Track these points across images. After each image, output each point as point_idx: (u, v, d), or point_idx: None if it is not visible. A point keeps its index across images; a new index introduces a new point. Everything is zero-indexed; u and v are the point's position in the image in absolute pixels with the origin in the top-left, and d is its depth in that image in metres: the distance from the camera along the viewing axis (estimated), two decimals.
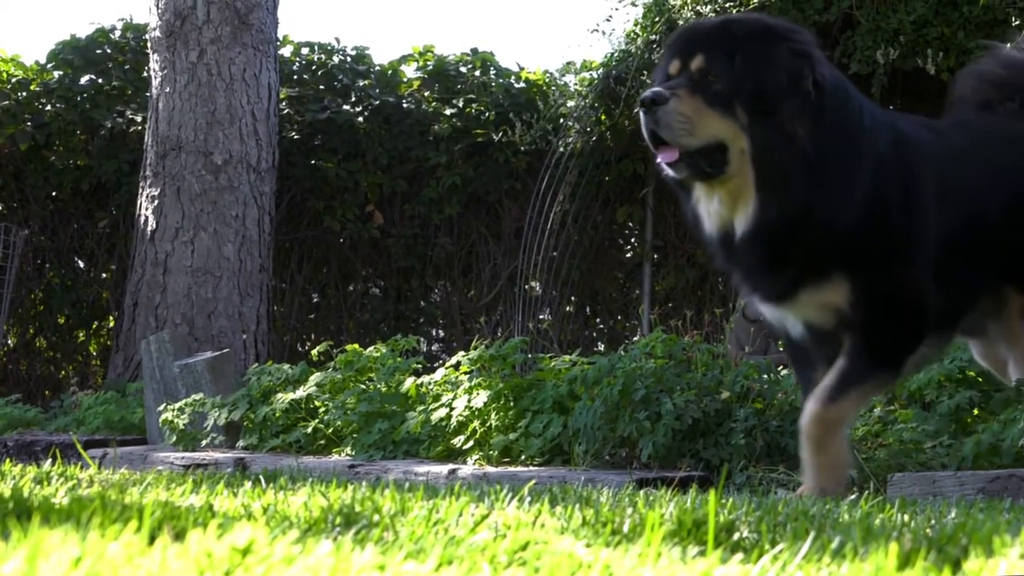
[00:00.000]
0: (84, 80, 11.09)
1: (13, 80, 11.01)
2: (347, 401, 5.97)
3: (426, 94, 11.20)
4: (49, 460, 3.53)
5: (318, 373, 6.45)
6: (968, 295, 3.77)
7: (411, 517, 2.02)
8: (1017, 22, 7.44)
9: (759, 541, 1.85)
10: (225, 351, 7.55)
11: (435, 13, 33.96)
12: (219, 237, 9.69)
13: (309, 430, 6.05)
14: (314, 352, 7.87)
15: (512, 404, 5.36)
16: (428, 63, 11.34)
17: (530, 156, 10.37)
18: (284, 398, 6.27)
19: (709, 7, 8.28)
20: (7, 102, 10.83)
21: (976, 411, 4.59)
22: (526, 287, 9.78)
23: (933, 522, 2.21)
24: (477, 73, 11.20)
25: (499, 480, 3.88)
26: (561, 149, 9.61)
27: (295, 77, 11.30)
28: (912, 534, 1.91)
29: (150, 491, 2.57)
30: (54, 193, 11.14)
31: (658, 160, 3.50)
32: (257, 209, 9.89)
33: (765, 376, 5.02)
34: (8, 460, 3.79)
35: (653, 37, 8.74)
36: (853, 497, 3.26)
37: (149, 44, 10.12)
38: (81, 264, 11.41)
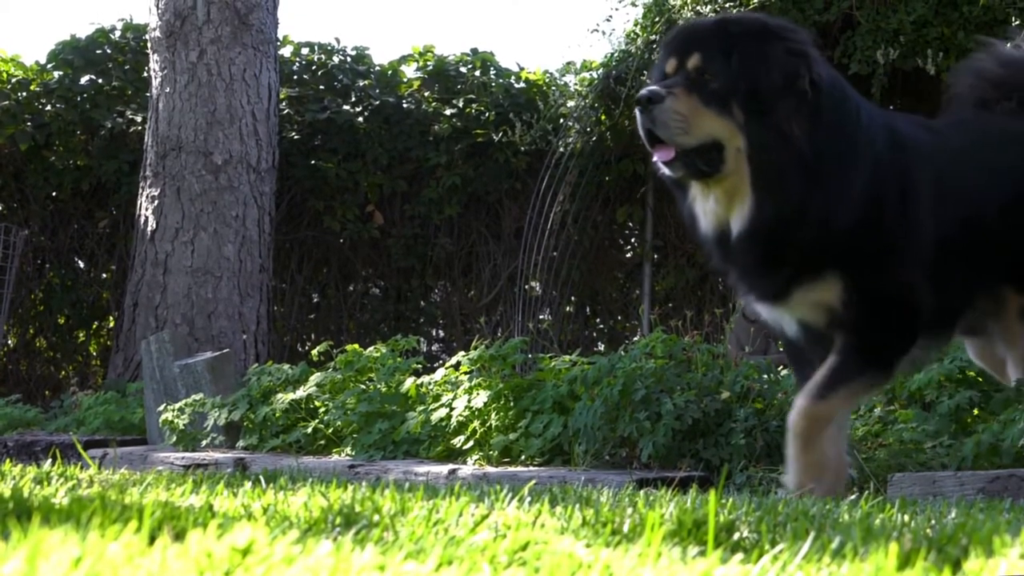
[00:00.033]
0: (84, 80, 11.09)
1: (13, 80, 11.01)
2: (347, 401, 5.97)
3: (426, 94, 11.20)
4: (49, 460, 3.53)
5: (318, 373, 6.45)
6: (966, 295, 3.77)
7: (411, 517, 2.02)
8: (1017, 22, 7.44)
9: (759, 541, 1.85)
10: (225, 351, 7.55)
11: (435, 13, 33.97)
12: (219, 237, 9.69)
13: (309, 430, 6.05)
14: (314, 352, 7.88)
15: (512, 404, 5.36)
16: (428, 63, 11.34)
17: (530, 156, 10.37)
18: (284, 398, 6.27)
19: (709, 7, 8.28)
20: (7, 102, 10.83)
21: (976, 411, 4.59)
22: (526, 287, 9.78)
23: (933, 522, 2.21)
24: (477, 73, 11.20)
25: (499, 480, 3.88)
26: (561, 149, 9.61)
27: (295, 77, 11.30)
28: (912, 534, 1.91)
29: (150, 491, 2.57)
30: (54, 193, 11.14)
31: (654, 159, 3.50)
32: (257, 209, 9.89)
33: (765, 376, 5.03)
34: (8, 460, 3.79)
35: (653, 37, 8.75)
36: (853, 497, 3.26)
37: (149, 44, 10.13)
38: (81, 264, 11.41)
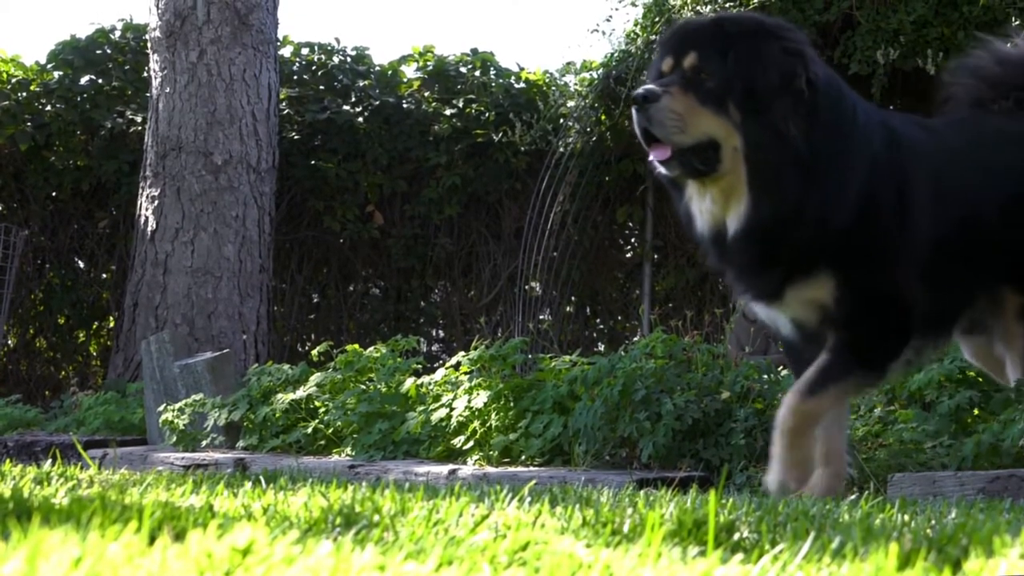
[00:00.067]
0: (84, 80, 11.09)
1: (13, 80, 11.01)
2: (347, 401, 5.97)
3: (426, 94, 11.20)
4: (49, 460, 3.53)
5: (318, 373, 6.45)
6: (963, 295, 3.76)
7: (411, 517, 2.02)
8: (1017, 22, 7.44)
9: (759, 541, 1.85)
10: (225, 351, 7.55)
11: (435, 13, 33.97)
12: (219, 237, 9.69)
13: (309, 430, 6.05)
14: (314, 352, 7.88)
15: (512, 404, 5.36)
16: (428, 63, 11.34)
17: (530, 156, 10.37)
18: (284, 398, 6.27)
19: (709, 7, 8.28)
20: (7, 102, 10.83)
21: (976, 411, 4.58)
22: (526, 287, 9.78)
23: (933, 522, 2.21)
24: (477, 73, 11.20)
25: (499, 480, 3.88)
26: (561, 149, 9.61)
27: (295, 77, 11.30)
28: (912, 534, 1.91)
29: (150, 491, 2.57)
30: (54, 193, 11.14)
31: (650, 158, 3.50)
32: (257, 209, 9.89)
33: (765, 376, 5.02)
34: (8, 460, 3.79)
35: (653, 37, 8.74)
36: (853, 497, 3.26)
37: (149, 44, 10.13)
38: (81, 264, 11.41)
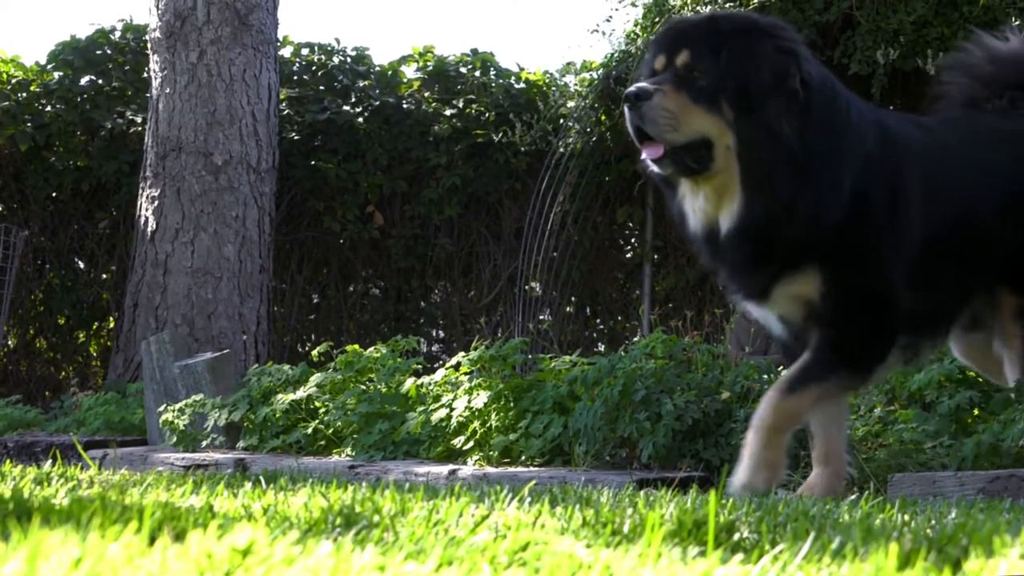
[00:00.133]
0: (84, 81, 11.09)
1: (13, 81, 11.01)
2: (347, 402, 5.97)
3: (426, 95, 11.20)
4: (49, 461, 3.53)
5: (318, 374, 6.45)
6: (958, 295, 3.76)
7: (411, 518, 2.02)
8: (1017, 22, 7.43)
9: (759, 541, 1.85)
10: (225, 352, 7.55)
11: (435, 13, 33.96)
12: (219, 238, 9.69)
13: (309, 431, 6.05)
14: (314, 353, 7.88)
15: (512, 405, 5.36)
16: (428, 64, 11.34)
17: (530, 156, 10.37)
18: (284, 399, 6.27)
19: (709, 8, 8.28)
20: (7, 103, 10.83)
21: (976, 411, 4.58)
22: (526, 288, 9.78)
23: (933, 522, 2.21)
24: (477, 74, 11.20)
25: (499, 481, 3.88)
26: (561, 149, 9.61)
27: (295, 78, 11.30)
28: (912, 534, 1.91)
29: (150, 492, 2.57)
30: (54, 194, 11.14)
31: (643, 156, 3.49)
32: (257, 210, 9.89)
33: (765, 376, 5.02)
34: (8, 461, 3.79)
35: (653, 37, 8.74)
36: (853, 497, 3.26)
37: (149, 45, 10.13)
38: (81, 265, 11.41)
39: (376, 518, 1.98)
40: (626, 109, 3.45)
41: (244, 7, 9.89)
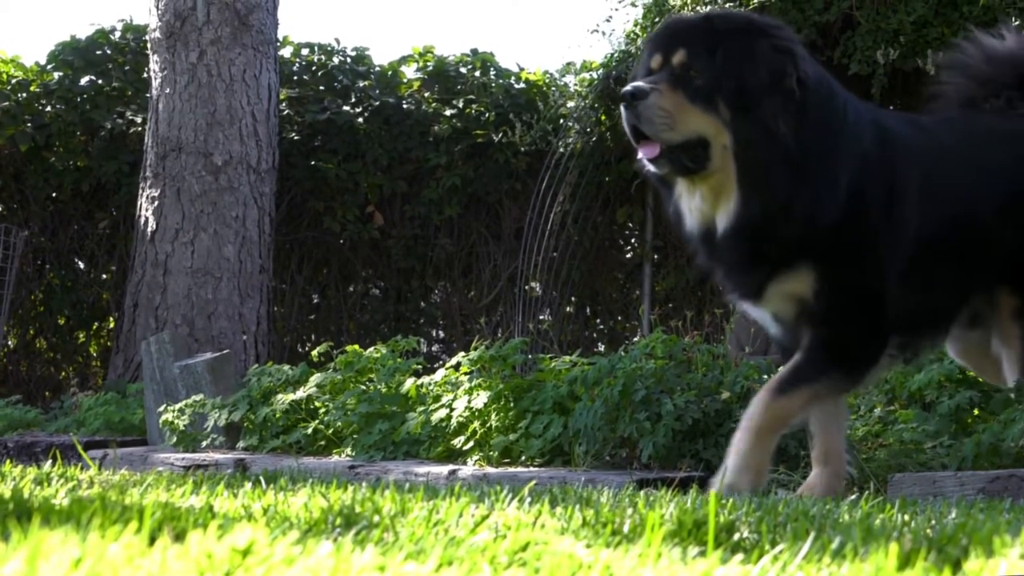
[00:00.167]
0: (84, 81, 11.09)
1: (13, 81, 11.01)
2: (347, 402, 5.97)
3: (426, 95, 11.20)
4: (49, 461, 3.53)
5: (318, 374, 6.45)
6: (956, 295, 3.75)
7: (411, 518, 2.02)
8: (1017, 22, 7.43)
9: (759, 541, 1.85)
10: (225, 352, 7.55)
11: (435, 13, 33.95)
12: (219, 238, 9.69)
13: (309, 431, 6.05)
14: (314, 353, 7.88)
15: (512, 405, 5.36)
16: (428, 64, 11.34)
17: (530, 157, 10.37)
18: (284, 399, 6.27)
19: (709, 8, 8.27)
20: (7, 103, 10.83)
21: (976, 411, 4.58)
22: (526, 288, 9.78)
23: (933, 522, 2.21)
24: (477, 74, 11.20)
25: (499, 481, 3.88)
26: (561, 150, 9.61)
27: (295, 78, 11.31)
28: (912, 534, 1.91)
29: (150, 492, 2.57)
30: (54, 194, 11.14)
31: (639, 156, 3.49)
32: (257, 210, 9.89)
33: (765, 376, 5.02)
34: (8, 461, 3.79)
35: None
36: (853, 497, 3.26)
37: (149, 45, 10.13)
38: (81, 265, 11.41)
39: (376, 518, 1.98)
40: (622, 108, 3.44)
41: (244, 7, 9.89)
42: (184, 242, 9.66)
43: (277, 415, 6.24)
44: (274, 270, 10.38)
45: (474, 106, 10.88)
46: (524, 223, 9.96)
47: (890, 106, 8.26)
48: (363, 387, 6.10)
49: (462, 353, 5.97)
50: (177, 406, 6.68)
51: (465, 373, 5.82)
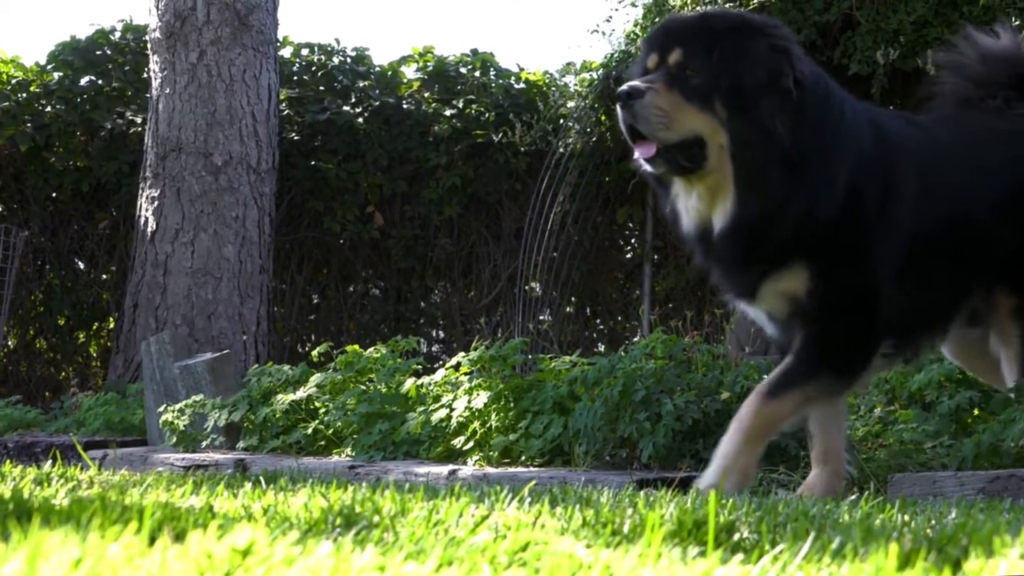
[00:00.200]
0: (84, 81, 11.09)
1: (13, 81, 11.01)
2: (347, 402, 5.97)
3: (426, 95, 11.20)
4: (49, 461, 3.53)
5: (318, 374, 6.45)
6: (953, 294, 3.75)
7: (411, 518, 2.02)
8: (1017, 22, 7.44)
9: (759, 541, 1.85)
10: (225, 352, 7.55)
11: (435, 14, 33.95)
12: (219, 238, 9.69)
13: (309, 431, 6.05)
14: (314, 353, 7.88)
15: (512, 405, 5.36)
16: (428, 64, 11.34)
17: (530, 157, 10.37)
18: (284, 399, 6.26)
19: (709, 8, 8.27)
20: (7, 103, 10.83)
21: (976, 411, 4.58)
22: (526, 288, 9.78)
23: (933, 522, 2.21)
24: (477, 74, 11.20)
25: (499, 481, 3.88)
26: (561, 150, 9.61)
27: (295, 78, 11.31)
28: (912, 534, 1.91)
29: (150, 492, 2.57)
30: (54, 194, 11.14)
31: (635, 155, 3.48)
32: (257, 210, 9.89)
33: (765, 377, 5.02)
34: (8, 461, 3.79)
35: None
36: (853, 497, 3.26)
37: (149, 45, 10.13)
38: (81, 265, 11.41)
39: (376, 518, 1.98)
40: (619, 108, 3.44)
41: (244, 7, 9.89)
42: (184, 242, 9.66)
43: (277, 415, 6.24)
44: (274, 270, 10.39)
45: (474, 106, 10.88)
46: (524, 223, 9.96)
47: (890, 106, 8.25)
48: (363, 387, 6.10)
49: (462, 353, 5.97)
50: (177, 406, 6.68)
51: (465, 373, 5.82)
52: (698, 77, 3.40)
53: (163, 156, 9.79)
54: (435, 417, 5.50)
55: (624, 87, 3.41)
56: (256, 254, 9.85)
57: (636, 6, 9.20)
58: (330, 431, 5.99)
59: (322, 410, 6.16)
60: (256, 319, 9.80)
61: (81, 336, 11.33)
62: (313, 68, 11.36)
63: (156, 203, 9.77)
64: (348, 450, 5.79)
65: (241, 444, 6.37)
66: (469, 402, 5.42)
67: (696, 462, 4.74)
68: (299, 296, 11.15)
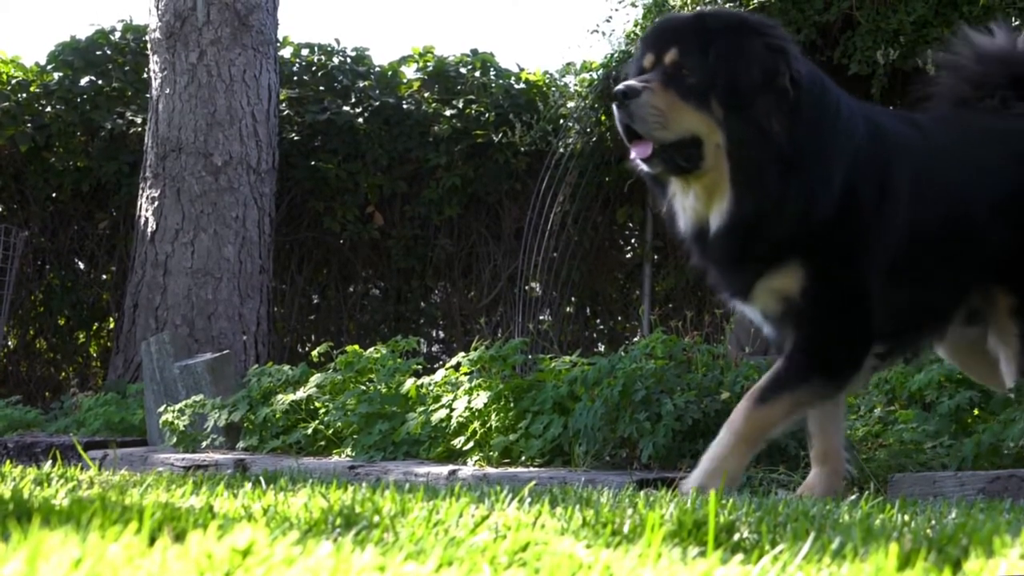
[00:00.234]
0: (84, 81, 11.09)
1: (13, 81, 11.01)
2: (347, 402, 5.97)
3: (426, 95, 11.20)
4: (49, 462, 3.53)
5: (318, 374, 6.45)
6: (951, 294, 3.74)
7: (411, 518, 2.02)
8: (1017, 22, 7.44)
9: (759, 542, 1.85)
10: (225, 352, 7.55)
11: (435, 14, 33.95)
12: (219, 238, 9.69)
13: (309, 431, 6.05)
14: (314, 353, 7.88)
15: (512, 405, 5.36)
16: (428, 64, 11.34)
17: (530, 157, 10.37)
18: (284, 399, 6.26)
19: (708, 8, 8.27)
20: (7, 103, 10.83)
21: (976, 411, 4.58)
22: (526, 288, 9.78)
23: (933, 522, 2.21)
24: (477, 74, 11.20)
25: (499, 481, 3.88)
26: (561, 150, 9.61)
27: (295, 78, 11.31)
28: (912, 534, 1.91)
29: (150, 492, 2.57)
30: (54, 195, 11.14)
31: (632, 155, 3.48)
32: (257, 210, 9.89)
33: None
34: (8, 462, 3.79)
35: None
36: (853, 497, 3.26)
37: (149, 45, 10.13)
38: (81, 265, 11.41)
39: (376, 518, 1.98)
40: (615, 108, 3.43)
41: (244, 7, 9.89)
42: (184, 242, 9.66)
43: (277, 415, 6.24)
44: (274, 270, 10.39)
45: (474, 106, 10.88)
46: (524, 223, 9.96)
47: (890, 106, 8.26)
48: (363, 387, 6.10)
49: (462, 353, 5.97)
50: (177, 406, 6.68)
51: (465, 373, 5.82)
52: (694, 76, 3.40)
53: (163, 156, 9.79)
54: (435, 417, 5.50)
55: (620, 86, 3.41)
56: (256, 254, 9.85)
57: (636, 6, 9.20)
58: (330, 431, 5.99)
59: (322, 410, 6.16)
60: (256, 319, 9.80)
61: (81, 336, 11.33)
62: (313, 68, 11.36)
63: (156, 203, 9.77)
64: (348, 450, 5.79)
65: (241, 444, 6.37)
66: (469, 402, 5.42)
67: (696, 462, 4.73)
68: (299, 296, 11.15)
